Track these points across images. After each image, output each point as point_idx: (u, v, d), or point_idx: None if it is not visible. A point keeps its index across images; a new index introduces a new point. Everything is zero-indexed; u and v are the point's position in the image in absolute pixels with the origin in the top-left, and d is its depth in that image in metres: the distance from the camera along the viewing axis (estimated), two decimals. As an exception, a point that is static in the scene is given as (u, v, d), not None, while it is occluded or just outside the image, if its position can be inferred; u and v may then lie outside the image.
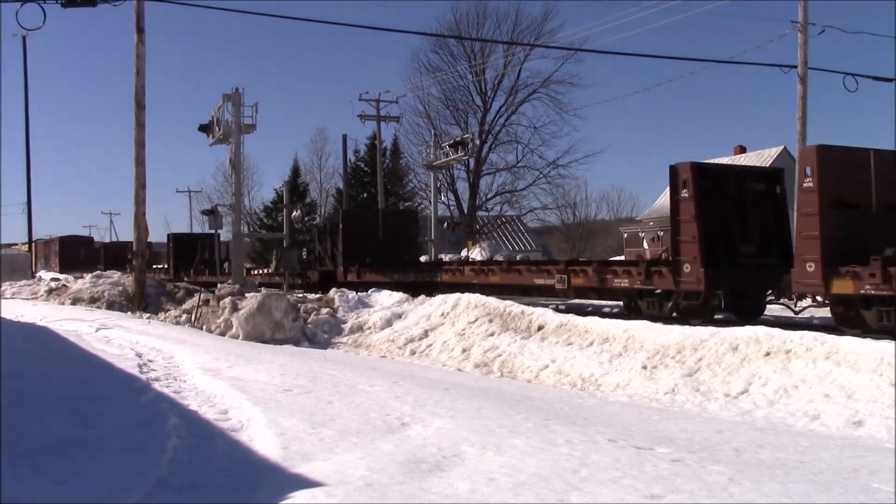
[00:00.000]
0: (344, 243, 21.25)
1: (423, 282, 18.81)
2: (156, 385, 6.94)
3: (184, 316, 16.24)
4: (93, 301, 18.84)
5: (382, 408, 5.98)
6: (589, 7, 78.20)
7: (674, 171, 12.95)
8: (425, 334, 12.91)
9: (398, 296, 15.83)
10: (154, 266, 42.38)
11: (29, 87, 41.62)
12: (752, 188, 13.19)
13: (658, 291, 13.25)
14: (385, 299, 15.87)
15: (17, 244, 50.74)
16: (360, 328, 14.26)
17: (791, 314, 13.07)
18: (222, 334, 13.95)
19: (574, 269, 14.94)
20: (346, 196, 42.36)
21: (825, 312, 12.00)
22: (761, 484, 4.14)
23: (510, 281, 16.59)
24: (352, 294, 16.25)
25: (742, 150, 50.63)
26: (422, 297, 15.17)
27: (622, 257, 40.33)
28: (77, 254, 44.67)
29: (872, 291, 10.08)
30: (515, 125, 47.27)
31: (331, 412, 5.81)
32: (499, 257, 29.16)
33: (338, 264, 21.41)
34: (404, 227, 22.72)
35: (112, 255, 41.26)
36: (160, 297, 19.04)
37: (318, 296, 17.21)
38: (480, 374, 10.20)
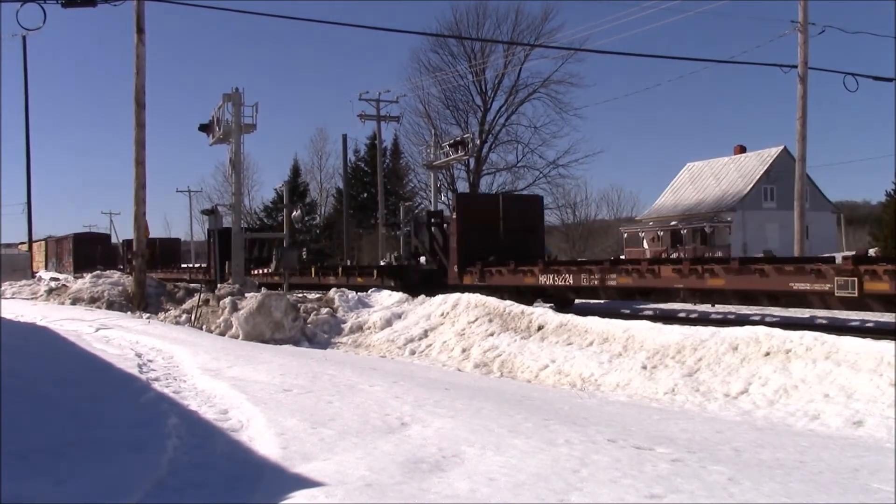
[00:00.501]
0: (459, 237, 17.14)
1: (587, 287, 14.46)
2: (156, 385, 6.94)
3: (184, 316, 16.26)
4: (93, 301, 18.85)
5: (382, 408, 5.98)
6: (589, 7, 78.47)
7: None
8: (425, 334, 12.91)
9: (398, 296, 15.83)
10: (187, 266, 38.95)
11: (29, 87, 41.37)
12: None
13: None
14: (385, 299, 15.87)
15: (24, 243, 49.78)
16: (359, 328, 14.26)
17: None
18: (222, 334, 13.96)
19: (873, 270, 10.49)
20: (346, 196, 42.39)
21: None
22: (761, 484, 4.13)
23: (744, 285, 12.18)
24: (352, 294, 16.26)
25: (742, 149, 50.67)
26: (421, 297, 15.17)
27: (622, 258, 40.35)
28: (93, 252, 41.71)
29: None
30: (515, 125, 47.41)
31: (331, 412, 5.81)
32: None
33: (450, 263, 17.50)
34: (529, 217, 18.34)
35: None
36: (160, 296, 19.06)
37: (317, 296, 17.21)
38: (480, 374, 10.20)
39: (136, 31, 18.07)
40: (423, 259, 19.22)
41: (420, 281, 18.08)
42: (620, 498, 3.79)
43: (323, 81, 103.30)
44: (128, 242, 39.31)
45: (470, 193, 19.47)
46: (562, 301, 15.77)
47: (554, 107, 46.51)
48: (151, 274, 29.68)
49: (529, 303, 14.95)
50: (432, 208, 30.59)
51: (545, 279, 15.17)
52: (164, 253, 38.51)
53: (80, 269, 36.48)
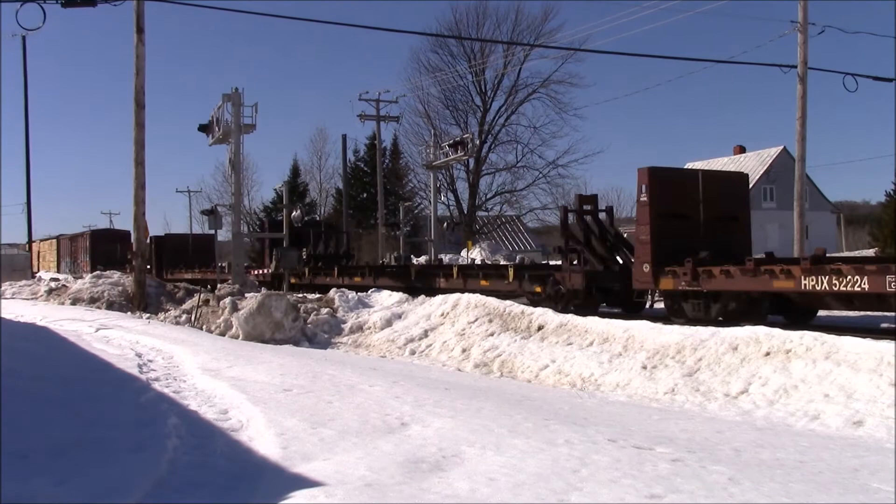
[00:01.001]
0: (654, 226, 12.73)
1: (876, 294, 10.10)
2: (156, 385, 6.95)
3: (184, 316, 16.26)
4: (93, 301, 18.88)
5: (382, 408, 5.98)
6: (589, 7, 78.37)
7: None
8: (425, 334, 12.91)
9: (398, 296, 15.83)
10: (219, 266, 33.81)
11: (29, 87, 41.20)
12: None
13: None
14: (385, 299, 15.87)
15: (35, 241, 47.99)
16: (360, 328, 14.27)
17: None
18: (222, 334, 13.97)
19: None
20: (345, 196, 42.40)
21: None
22: (761, 484, 4.14)
23: None
24: (352, 294, 16.26)
25: (742, 150, 50.66)
26: (421, 297, 15.17)
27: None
28: (111, 250, 37.75)
29: None
30: (515, 125, 47.48)
31: (331, 412, 5.81)
32: (499, 258, 29.11)
33: (637, 260, 13.14)
34: (733, 201, 13.89)
35: (170, 251, 32.64)
36: (160, 297, 19.07)
37: (317, 296, 17.21)
38: (480, 374, 10.20)
39: (136, 31, 18.08)
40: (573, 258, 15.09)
41: (586, 285, 13.91)
42: (620, 498, 3.79)
43: (323, 81, 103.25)
44: (157, 239, 34.75)
45: (663, 168, 12.73)
46: (805, 312, 12.31)
47: (554, 107, 46.61)
48: (186, 274, 27.59)
49: (763, 315, 11.65)
50: (432, 208, 30.56)
51: (811, 282, 10.65)
52: (198, 251, 34.04)
53: (98, 268, 31.76)
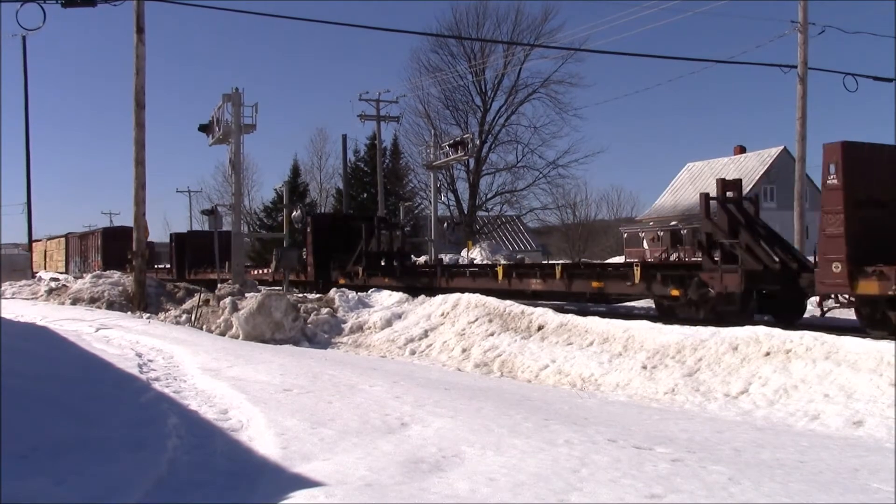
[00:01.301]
0: (848, 216, 10.23)
1: None
2: (156, 385, 6.95)
3: (184, 316, 16.26)
4: (93, 301, 18.86)
5: (382, 408, 5.98)
6: (589, 7, 78.38)
7: None
8: (425, 334, 12.91)
9: (398, 296, 15.83)
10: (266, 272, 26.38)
11: (29, 87, 41.10)
12: None
13: None
14: (385, 299, 15.87)
15: (39, 240, 47.04)
16: (360, 328, 14.27)
17: None
18: (222, 334, 13.97)
19: None
20: (345, 196, 42.40)
21: None
22: (761, 484, 4.14)
23: None
24: (352, 294, 16.25)
25: (742, 150, 50.63)
26: (422, 297, 15.17)
27: (622, 258, 40.31)
28: (124, 249, 33.31)
29: None
30: (515, 125, 47.40)
31: (331, 412, 5.81)
32: (499, 258, 29.10)
33: (821, 256, 10.54)
34: None
35: (193, 251, 28.61)
36: (160, 297, 19.05)
37: (317, 296, 17.20)
38: (480, 374, 10.20)
39: (135, 31, 18.07)
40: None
41: (744, 290, 11.56)
42: (620, 498, 3.79)
43: (323, 81, 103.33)
44: (178, 237, 31.87)
45: (857, 143, 10.70)
46: None
47: (554, 107, 46.53)
48: (212, 275, 24.88)
49: None
50: (432, 208, 30.47)
51: None
52: (226, 250, 32.65)
53: (110, 268, 29.59)
